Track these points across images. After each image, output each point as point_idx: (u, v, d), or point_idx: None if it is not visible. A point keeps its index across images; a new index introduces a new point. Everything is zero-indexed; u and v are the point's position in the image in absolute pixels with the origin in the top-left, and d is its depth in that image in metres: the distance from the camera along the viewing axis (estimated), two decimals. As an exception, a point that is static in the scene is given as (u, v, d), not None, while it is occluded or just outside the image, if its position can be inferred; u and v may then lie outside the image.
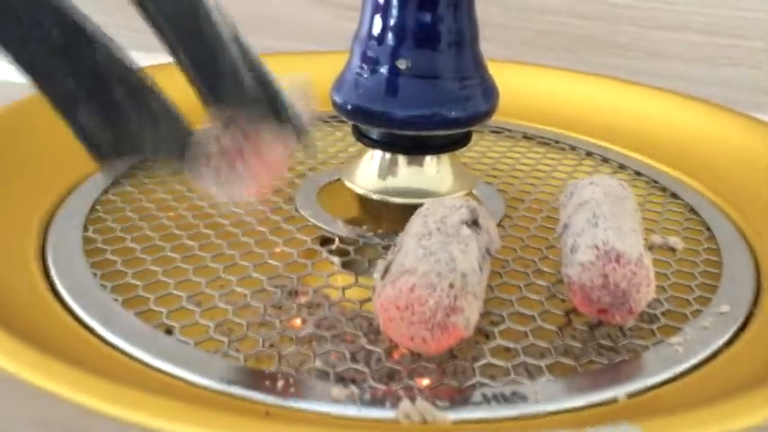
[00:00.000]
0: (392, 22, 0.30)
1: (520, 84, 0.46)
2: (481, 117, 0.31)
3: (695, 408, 0.19)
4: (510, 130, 0.45)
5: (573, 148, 0.43)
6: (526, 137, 0.44)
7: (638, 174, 0.39)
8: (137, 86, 0.20)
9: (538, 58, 0.61)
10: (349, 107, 0.31)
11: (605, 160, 0.41)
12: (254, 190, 0.23)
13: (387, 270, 0.23)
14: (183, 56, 0.20)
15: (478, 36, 0.32)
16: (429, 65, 0.30)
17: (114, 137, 0.20)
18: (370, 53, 0.31)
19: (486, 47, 0.63)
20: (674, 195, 0.37)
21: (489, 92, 0.32)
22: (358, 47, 0.31)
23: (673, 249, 0.32)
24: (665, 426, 0.18)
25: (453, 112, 0.30)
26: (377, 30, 0.31)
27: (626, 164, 0.40)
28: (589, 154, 0.42)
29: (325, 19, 0.64)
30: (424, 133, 0.31)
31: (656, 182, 0.38)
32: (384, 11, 0.30)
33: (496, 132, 0.45)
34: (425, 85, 0.30)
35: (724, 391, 0.21)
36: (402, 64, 0.30)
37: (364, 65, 0.31)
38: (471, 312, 0.22)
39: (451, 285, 0.22)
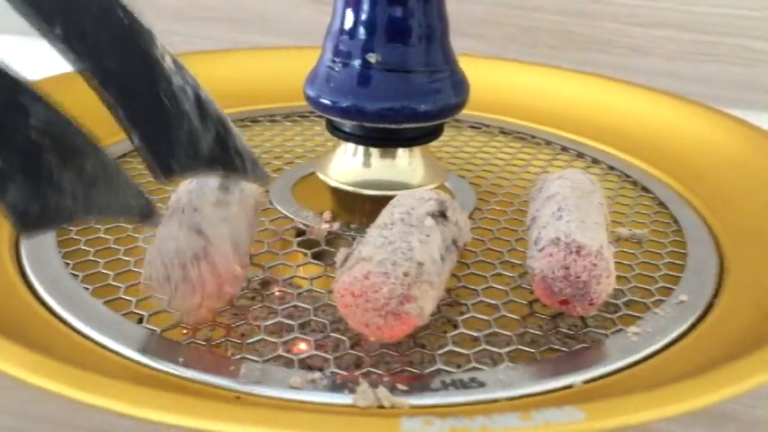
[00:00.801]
0: (363, 16, 0.31)
1: (498, 80, 0.47)
2: (451, 110, 0.32)
3: (638, 393, 0.19)
4: (488, 126, 0.45)
5: (549, 143, 0.43)
6: (503, 132, 0.45)
7: (612, 168, 0.40)
8: (72, 149, 0.19)
9: (521, 55, 0.62)
10: (321, 101, 0.32)
11: (580, 155, 0.42)
12: (204, 308, 0.24)
13: (346, 259, 0.24)
14: (135, 132, 0.20)
15: (449, 30, 0.32)
16: (400, 59, 0.31)
17: (42, 209, 0.19)
18: (341, 47, 0.31)
19: (469, 43, 0.64)
20: (644, 189, 0.37)
21: (459, 85, 0.32)
22: (330, 41, 0.32)
23: (639, 242, 0.32)
24: (608, 409, 0.18)
25: (423, 105, 0.31)
26: (348, 24, 0.31)
27: (600, 158, 0.41)
28: (564, 149, 0.42)
29: (310, 14, 0.65)
30: (394, 126, 0.31)
31: (628, 176, 0.39)
32: (355, 5, 0.31)
33: (474, 127, 0.45)
34: (396, 78, 0.31)
35: (674, 378, 0.21)
36: (372, 58, 0.30)
37: (336, 59, 0.31)
38: (425, 301, 0.22)
39: (406, 274, 0.22)
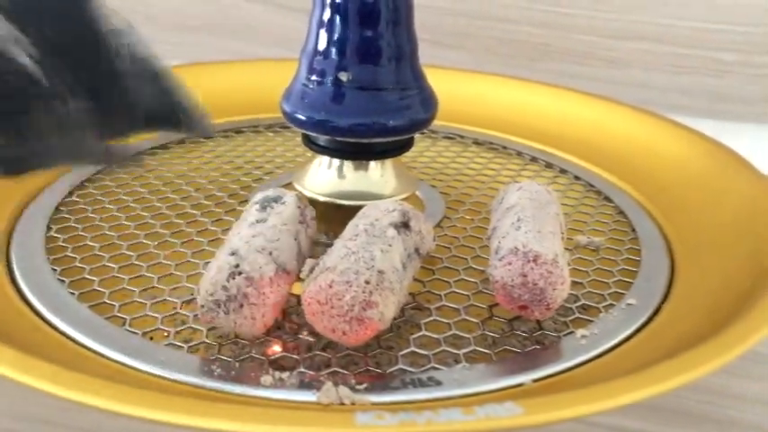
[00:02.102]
0: (336, 37, 0.33)
1: (473, 92, 0.49)
2: (420, 125, 0.34)
3: (576, 390, 0.21)
4: (462, 137, 0.47)
5: (519, 154, 0.45)
6: (476, 143, 0.47)
7: (577, 178, 0.42)
8: (49, 97, 0.20)
9: (500, 66, 0.64)
10: (297, 116, 0.34)
11: (549, 165, 0.44)
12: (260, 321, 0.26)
13: (312, 269, 0.25)
14: (75, 97, 0.21)
15: (417, 50, 0.34)
16: (371, 77, 0.33)
17: (23, 153, 0.20)
18: (316, 66, 0.33)
19: (450, 54, 0.66)
20: (607, 199, 0.39)
21: (428, 101, 0.34)
22: (305, 60, 0.34)
23: (597, 249, 0.34)
24: (545, 404, 0.20)
25: (392, 121, 0.33)
26: (322, 45, 0.33)
27: (567, 169, 0.43)
28: (534, 159, 0.44)
29: (295, 24, 0.67)
30: (366, 140, 0.33)
31: (592, 186, 0.41)
32: (329, 27, 0.33)
33: (449, 138, 0.47)
34: (367, 96, 0.33)
35: (616, 376, 0.23)
36: (344, 76, 0.32)
37: (311, 77, 0.33)
38: (387, 307, 0.24)
39: (367, 282, 0.24)
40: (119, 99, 0.22)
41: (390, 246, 0.26)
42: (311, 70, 0.33)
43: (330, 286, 0.24)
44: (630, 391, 0.21)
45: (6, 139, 0.20)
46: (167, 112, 0.23)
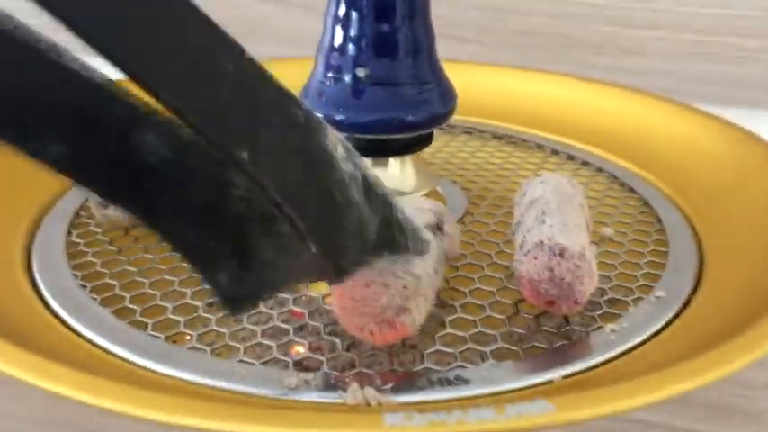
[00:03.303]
0: (352, 33, 0.32)
1: (490, 85, 0.48)
2: (439, 119, 0.33)
3: (607, 386, 0.20)
4: (481, 131, 0.47)
5: (539, 147, 0.44)
6: (496, 136, 0.46)
7: (600, 170, 0.41)
8: (267, 215, 0.17)
9: (517, 58, 0.63)
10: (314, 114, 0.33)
11: (570, 158, 0.43)
12: None
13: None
14: (312, 238, 0.18)
15: (435, 43, 0.34)
16: (388, 72, 0.32)
17: (249, 287, 0.18)
18: (332, 63, 0.33)
19: (467, 47, 0.65)
20: (631, 190, 0.39)
21: (446, 95, 0.34)
22: (321, 57, 0.33)
23: (622, 241, 0.34)
24: (577, 401, 0.20)
25: (411, 116, 0.32)
26: (338, 41, 0.33)
27: (589, 161, 0.42)
28: (555, 152, 0.44)
29: (312, 25, 0.66)
30: (385, 137, 0.33)
31: (615, 177, 0.40)
32: (344, 23, 0.32)
33: (468, 132, 0.47)
34: (385, 91, 0.32)
35: (647, 371, 0.23)
36: (361, 72, 0.32)
37: (327, 74, 0.33)
38: (419, 313, 0.24)
39: (405, 287, 0.23)
40: (351, 231, 0.19)
41: (428, 250, 0.25)
42: (328, 67, 0.33)
43: (367, 285, 0.23)
44: (664, 387, 0.21)
45: (229, 273, 0.18)
46: (392, 237, 0.21)
